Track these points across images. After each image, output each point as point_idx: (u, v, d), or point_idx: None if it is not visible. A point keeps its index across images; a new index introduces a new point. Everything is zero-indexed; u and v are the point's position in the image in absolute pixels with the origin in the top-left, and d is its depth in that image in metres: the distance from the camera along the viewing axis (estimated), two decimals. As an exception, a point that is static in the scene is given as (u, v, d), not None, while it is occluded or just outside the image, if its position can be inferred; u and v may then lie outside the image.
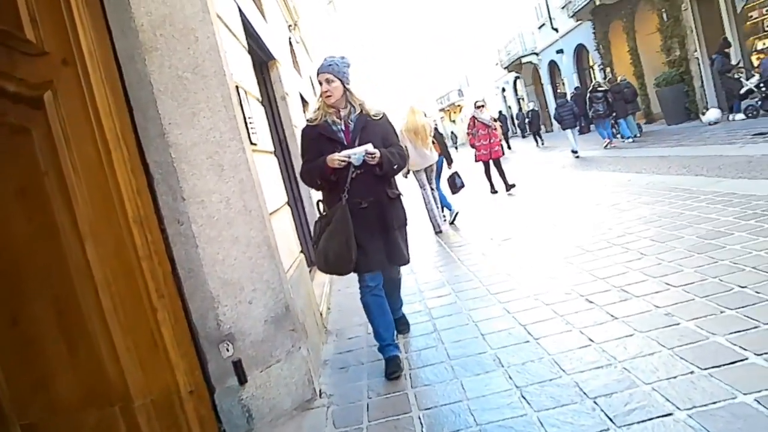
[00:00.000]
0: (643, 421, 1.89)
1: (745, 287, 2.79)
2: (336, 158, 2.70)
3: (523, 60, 26.57)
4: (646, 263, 3.60)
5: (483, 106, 9.08)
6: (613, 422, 1.93)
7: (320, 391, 2.73)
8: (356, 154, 2.69)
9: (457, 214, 7.33)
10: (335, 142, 2.81)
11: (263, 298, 2.53)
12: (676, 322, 2.61)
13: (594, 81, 15.01)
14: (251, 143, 2.75)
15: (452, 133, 39.00)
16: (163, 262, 2.35)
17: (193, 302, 2.38)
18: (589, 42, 19.21)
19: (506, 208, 7.68)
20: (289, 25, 7.89)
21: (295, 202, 5.32)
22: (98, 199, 2.26)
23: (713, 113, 11.42)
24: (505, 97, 33.91)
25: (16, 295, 2.23)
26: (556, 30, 22.37)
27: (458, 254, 5.34)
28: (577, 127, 13.42)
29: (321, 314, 3.82)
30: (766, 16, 11.29)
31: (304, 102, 7.90)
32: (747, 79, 10.51)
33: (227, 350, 2.41)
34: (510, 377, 2.47)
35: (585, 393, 2.17)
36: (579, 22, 19.31)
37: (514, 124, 30.44)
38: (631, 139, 12.86)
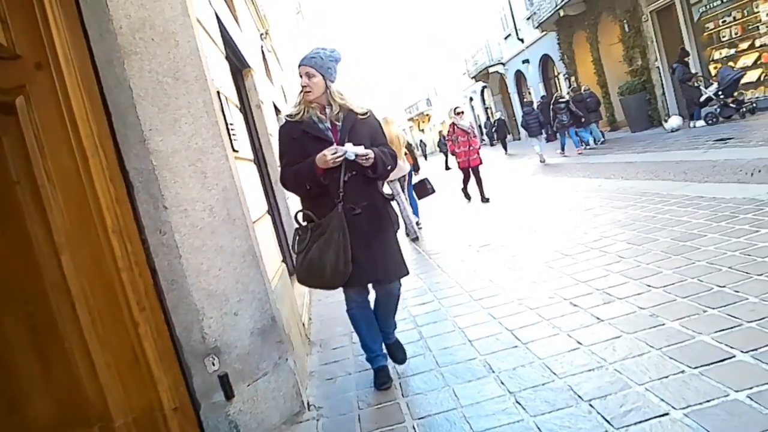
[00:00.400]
0: (640, 422, 1.89)
1: (724, 287, 2.86)
2: (330, 157, 2.40)
3: (490, 70, 27.04)
4: (625, 266, 3.66)
5: (462, 112, 9.11)
6: (610, 424, 1.93)
7: (308, 403, 2.65)
8: (348, 150, 2.42)
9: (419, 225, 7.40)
10: (323, 141, 2.50)
11: (249, 309, 2.45)
12: (661, 322, 2.65)
13: (556, 93, 15.47)
14: (233, 150, 2.68)
15: (421, 141, 39.27)
16: (144, 274, 2.25)
17: (176, 315, 2.28)
18: (554, 52, 19.68)
19: (481, 215, 7.75)
20: (261, 34, 7.81)
21: (272, 210, 5.22)
22: (74, 208, 2.16)
23: (675, 120, 11.80)
24: (473, 106, 34.39)
25: (-15, 312, 2.10)
26: (522, 40, 22.85)
27: (437, 261, 5.33)
28: (544, 135, 13.82)
29: (303, 325, 3.75)
30: (721, 27, 11.78)
31: (277, 111, 7.82)
32: (706, 88, 10.92)
33: (213, 364, 2.32)
34: (502, 383, 2.46)
35: (579, 396, 2.17)
36: (544, 32, 19.76)
37: (482, 133, 30.92)
38: (595, 145, 13.34)
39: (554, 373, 2.42)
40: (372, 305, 2.83)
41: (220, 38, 3.31)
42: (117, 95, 2.18)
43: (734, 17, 11.43)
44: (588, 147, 13.37)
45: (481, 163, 8.94)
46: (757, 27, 10.99)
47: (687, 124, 11.61)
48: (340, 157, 2.41)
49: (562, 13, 16.68)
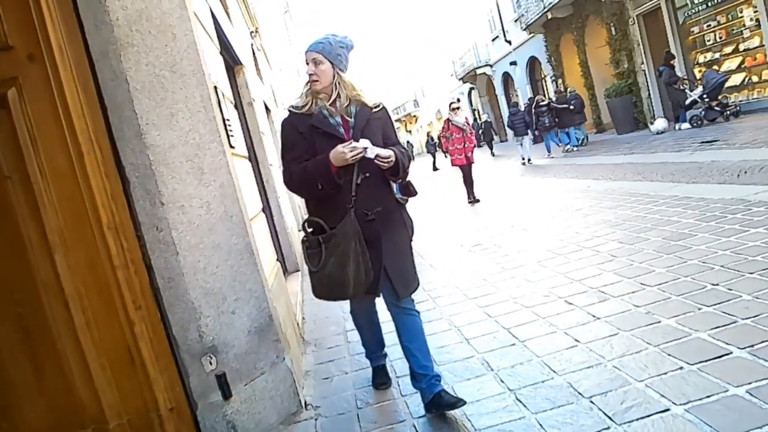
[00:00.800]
0: (642, 418, 1.90)
1: (717, 285, 2.89)
2: (349, 154, 2.11)
3: (478, 71, 27.20)
4: (618, 265, 3.69)
5: (458, 108, 8.76)
6: (612, 420, 1.94)
7: (306, 403, 2.62)
8: (369, 148, 2.14)
9: None
10: (334, 138, 2.21)
11: (246, 307, 2.42)
12: (657, 320, 2.66)
13: (537, 96, 15.70)
14: (230, 146, 2.64)
15: (408, 142, 39.30)
16: (140, 272, 2.20)
17: (173, 314, 2.24)
18: (542, 54, 19.86)
19: (471, 215, 7.76)
20: (251, 32, 7.74)
21: (263, 210, 5.17)
22: (68, 205, 2.10)
23: (661, 123, 11.97)
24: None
25: (-26, 313, 2.05)
26: (510, 42, 23.02)
27: (429, 260, 5.32)
28: (530, 136, 14.01)
29: (298, 324, 3.71)
30: (706, 31, 11.97)
31: (267, 110, 7.76)
32: (691, 91, 11.09)
33: (210, 363, 2.28)
34: (501, 380, 2.45)
35: (580, 393, 2.17)
36: (531, 35, 19.93)
37: (470, 134, 31.05)
38: (576, 148, 13.66)
39: (553, 371, 2.42)
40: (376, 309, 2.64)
41: (215, 33, 3.27)
42: (113, 88, 2.13)
43: (718, 21, 11.64)
44: (568, 149, 13.61)
45: (473, 161, 8.63)
46: (741, 31, 11.19)
47: (672, 127, 11.78)
48: (359, 153, 2.13)
49: (549, 16, 16.86)
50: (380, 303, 2.45)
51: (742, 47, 11.28)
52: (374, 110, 2.36)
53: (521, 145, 13.51)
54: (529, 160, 13.29)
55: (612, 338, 2.60)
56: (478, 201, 8.60)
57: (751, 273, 2.92)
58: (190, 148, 2.28)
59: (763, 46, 10.72)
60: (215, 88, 2.60)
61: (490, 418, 2.15)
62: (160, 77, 2.21)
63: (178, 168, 2.24)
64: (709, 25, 11.87)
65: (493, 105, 29.02)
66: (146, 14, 2.18)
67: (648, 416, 1.91)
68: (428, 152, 24.72)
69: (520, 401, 2.23)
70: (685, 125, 11.12)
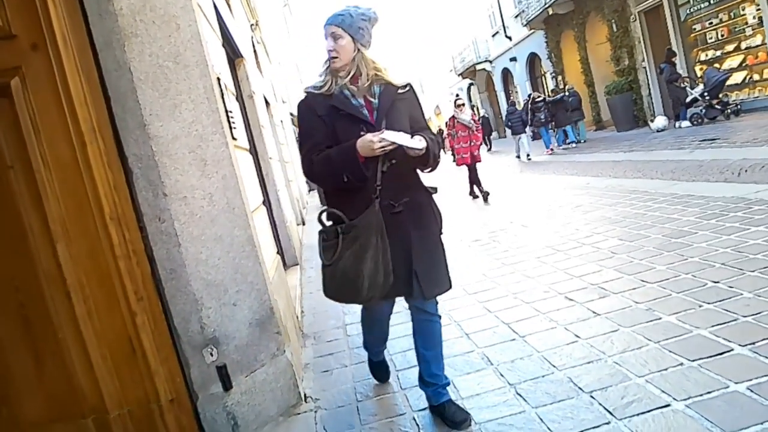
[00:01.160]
0: (643, 413, 1.91)
1: (718, 282, 2.89)
2: (377, 145, 1.89)
3: (477, 67, 27.11)
4: (619, 261, 3.69)
5: (463, 104, 8.50)
6: (612, 415, 1.94)
7: (305, 395, 2.63)
8: (399, 140, 1.91)
9: None
10: (357, 121, 2.01)
11: (248, 299, 2.41)
12: (657, 317, 2.67)
13: (532, 93, 15.75)
14: (233, 138, 2.63)
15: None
16: (142, 263, 2.20)
17: (174, 305, 2.24)
18: (542, 50, 19.79)
19: (470, 211, 7.76)
20: (251, 24, 7.71)
21: (263, 203, 5.17)
22: (71, 195, 2.10)
23: (661, 120, 11.96)
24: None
25: (-25, 302, 2.04)
26: (510, 38, 22.94)
27: (429, 256, 5.31)
28: (528, 133, 14.07)
29: (297, 317, 3.72)
30: (708, 29, 11.95)
31: (267, 104, 7.74)
32: (692, 88, 11.08)
33: (211, 355, 2.28)
34: (501, 375, 2.46)
35: (580, 388, 2.18)
36: (532, 31, 19.86)
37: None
38: (574, 145, 13.74)
39: (553, 366, 2.42)
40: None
41: (217, 25, 3.25)
42: (117, 79, 2.12)
43: (721, 19, 11.62)
44: (565, 146, 13.67)
45: (480, 160, 8.36)
46: (743, 29, 11.17)
47: (673, 125, 11.77)
48: (389, 145, 1.91)
49: (550, 12, 16.80)
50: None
51: (743, 45, 11.26)
52: (400, 90, 2.11)
53: (520, 142, 13.55)
54: (528, 157, 13.28)
55: (612, 334, 2.61)
56: (488, 194, 8.19)
57: (752, 271, 2.92)
58: (193, 140, 2.28)
59: (765, 44, 10.70)
60: (218, 79, 2.59)
61: (491, 412, 2.16)
62: (164, 68, 2.20)
63: (180, 159, 2.23)
64: (711, 23, 11.84)
65: (492, 101, 28.97)
66: (150, 4, 2.17)
67: (648, 411, 1.91)
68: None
69: (520, 395, 2.24)
70: (686, 123, 11.11)
